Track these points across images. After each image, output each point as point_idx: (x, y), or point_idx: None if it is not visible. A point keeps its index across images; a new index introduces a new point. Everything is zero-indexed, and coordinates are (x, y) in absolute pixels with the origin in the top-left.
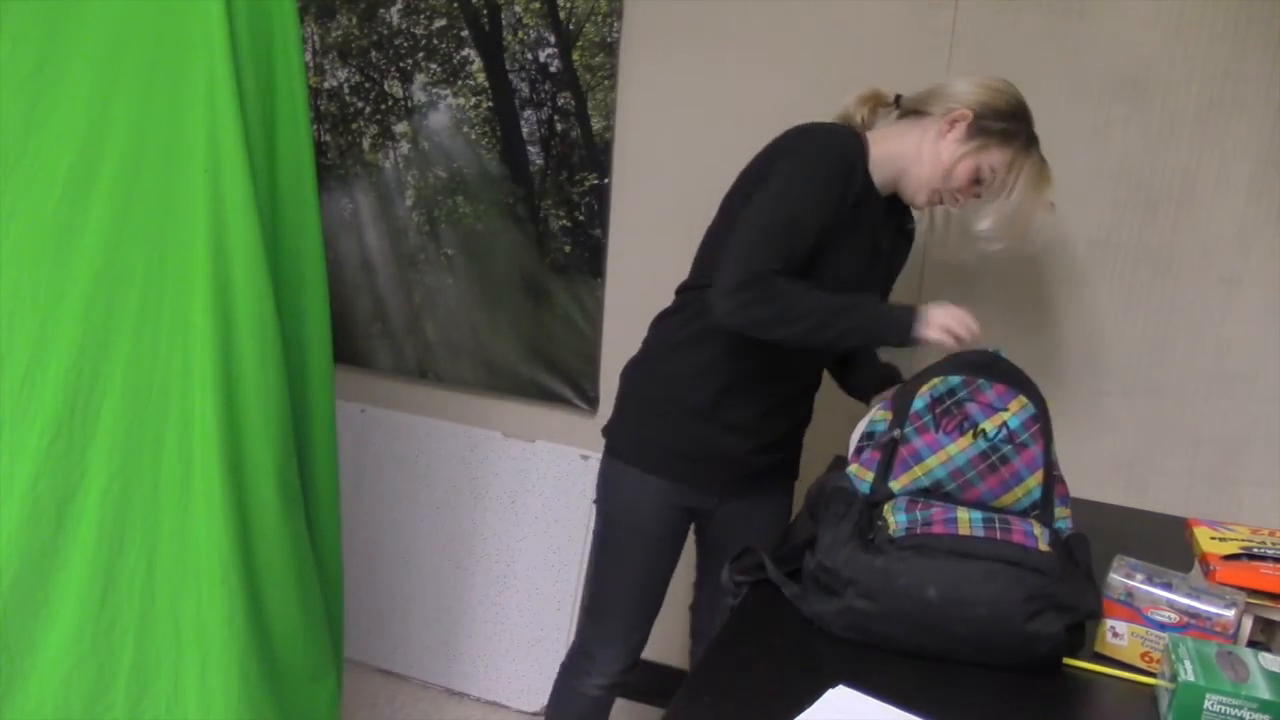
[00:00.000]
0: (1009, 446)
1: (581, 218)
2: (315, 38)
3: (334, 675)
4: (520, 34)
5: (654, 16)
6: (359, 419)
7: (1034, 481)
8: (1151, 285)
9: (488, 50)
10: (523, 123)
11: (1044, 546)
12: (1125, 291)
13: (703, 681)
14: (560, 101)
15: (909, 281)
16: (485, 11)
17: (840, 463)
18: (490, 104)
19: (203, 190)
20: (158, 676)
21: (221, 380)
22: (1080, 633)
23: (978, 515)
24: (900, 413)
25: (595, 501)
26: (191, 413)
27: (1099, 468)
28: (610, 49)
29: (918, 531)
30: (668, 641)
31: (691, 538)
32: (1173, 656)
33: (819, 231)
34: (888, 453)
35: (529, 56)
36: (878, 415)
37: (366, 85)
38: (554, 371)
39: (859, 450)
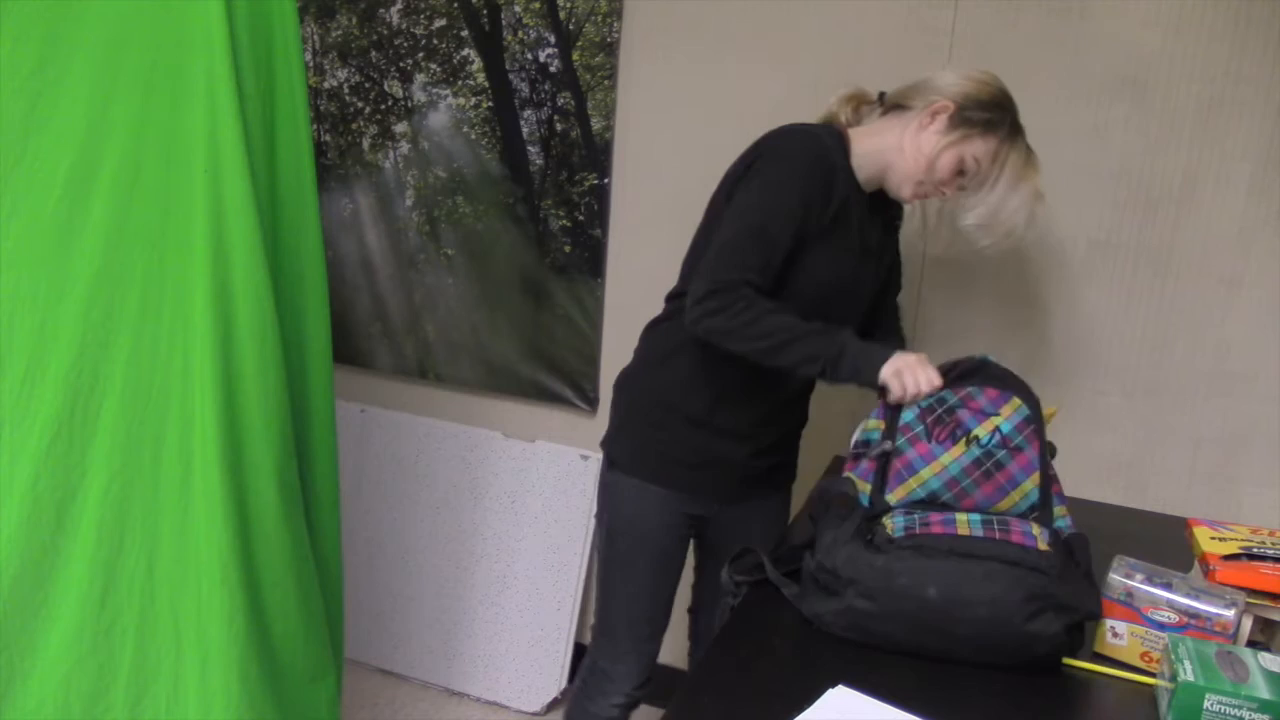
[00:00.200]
0: (1003, 452)
1: (581, 218)
2: (315, 38)
3: (334, 675)
4: (520, 34)
5: (654, 16)
6: (359, 419)
7: (1030, 485)
8: (1151, 285)
9: (488, 50)
10: (523, 123)
11: (1043, 545)
12: (1125, 291)
13: (703, 681)
14: (560, 101)
15: (909, 282)
16: (485, 11)
17: (839, 463)
18: (490, 104)
19: (202, 190)
20: (158, 676)
21: (221, 380)
22: (1080, 633)
23: (976, 517)
24: (891, 424)
25: (597, 515)
26: (191, 413)
27: (1099, 468)
28: (610, 49)
29: (916, 531)
30: (668, 641)
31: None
32: (1172, 656)
33: (796, 237)
34: (882, 465)
35: (529, 56)
36: (871, 424)
37: (366, 85)
38: (554, 371)
39: (855, 457)
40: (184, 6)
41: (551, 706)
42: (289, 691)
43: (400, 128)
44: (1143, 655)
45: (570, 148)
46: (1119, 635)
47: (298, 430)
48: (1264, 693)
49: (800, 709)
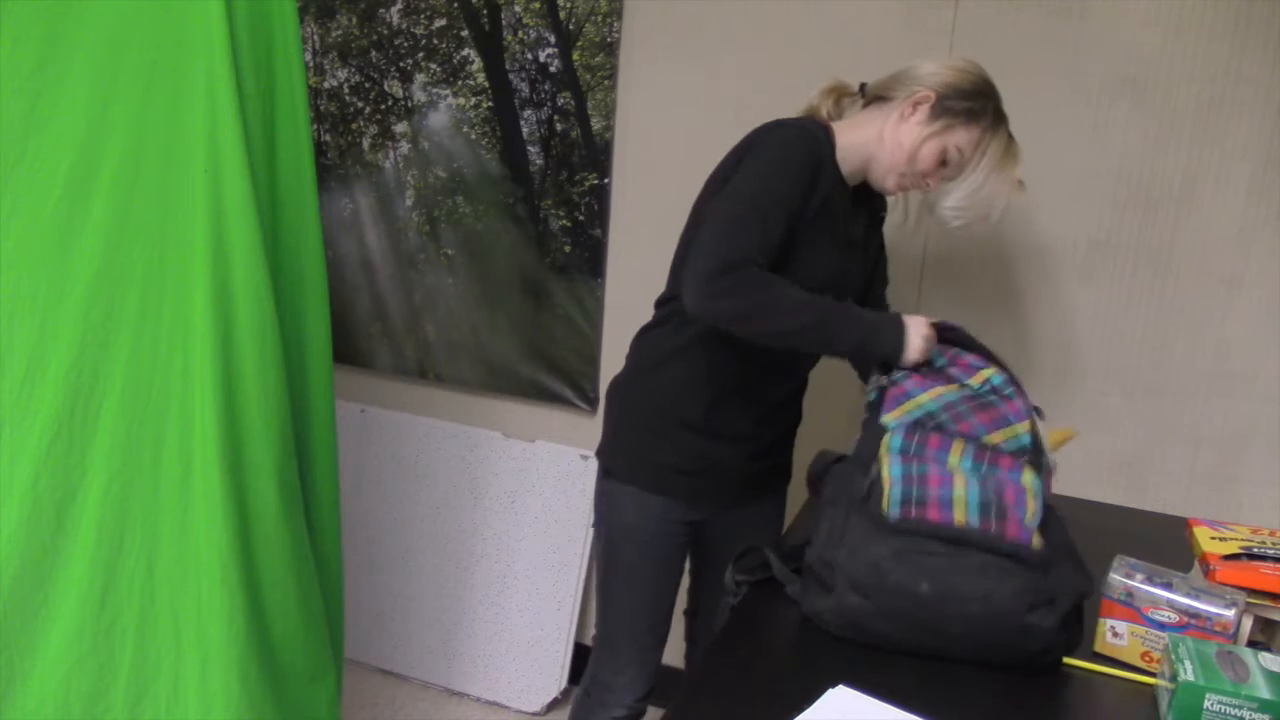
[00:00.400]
0: (994, 396)
1: (581, 218)
2: (315, 38)
3: (334, 675)
4: (520, 34)
5: (654, 16)
6: (359, 419)
7: (1022, 429)
8: (1151, 285)
9: (488, 50)
10: (523, 123)
11: (1036, 542)
12: (1125, 291)
13: (703, 681)
14: (560, 101)
15: (909, 282)
16: (485, 11)
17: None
18: (490, 104)
19: (203, 190)
20: (158, 676)
21: (221, 380)
22: (1078, 630)
23: (970, 471)
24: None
25: (594, 525)
26: (191, 413)
27: (1099, 468)
28: (610, 49)
29: (912, 515)
30: (671, 641)
31: None
32: (1173, 656)
33: (789, 225)
34: (879, 396)
35: (529, 56)
36: (870, 393)
37: (366, 85)
38: (554, 371)
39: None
40: (184, 6)
41: (551, 706)
42: (289, 691)
43: (400, 128)
44: (1143, 655)
45: (570, 148)
46: (1119, 635)
47: (298, 430)
48: (1264, 693)
49: (800, 709)
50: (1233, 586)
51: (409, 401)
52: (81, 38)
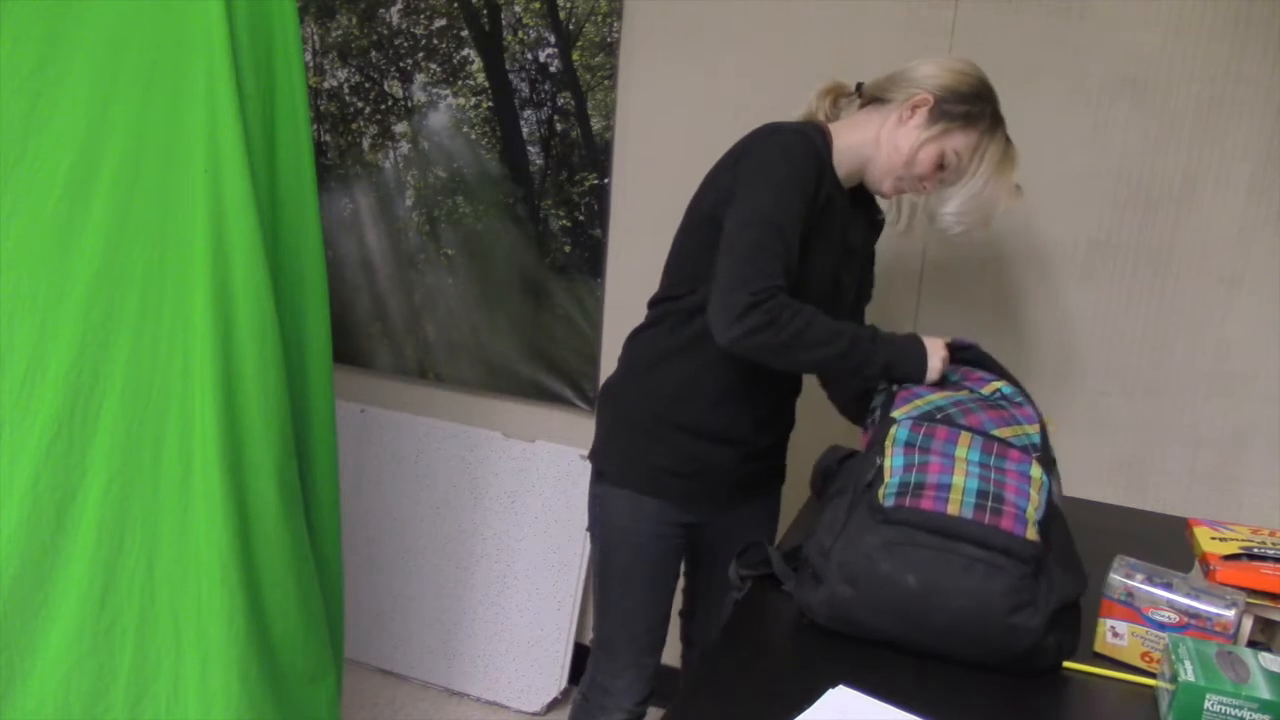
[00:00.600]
0: (1004, 402)
1: (581, 218)
2: (315, 38)
3: (334, 675)
4: (520, 34)
5: (654, 16)
6: (359, 419)
7: (1033, 429)
8: (1151, 285)
9: (488, 50)
10: (523, 123)
11: (1033, 535)
12: (1125, 291)
13: (703, 681)
14: (560, 101)
15: (909, 282)
16: (485, 11)
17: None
18: (490, 104)
19: (202, 190)
20: (158, 676)
21: (221, 380)
22: (1075, 634)
23: (977, 464)
24: (888, 399)
25: (589, 529)
26: (191, 413)
27: (1099, 468)
28: (610, 49)
29: (906, 503)
30: (667, 641)
31: None
32: (1173, 657)
33: (802, 238)
34: (888, 397)
35: (529, 56)
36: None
37: (366, 85)
38: (554, 371)
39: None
40: (184, 6)
41: (551, 706)
42: (289, 691)
43: (400, 128)
44: (1143, 655)
45: (570, 148)
46: (1119, 635)
47: (298, 430)
48: (1264, 693)
49: (800, 709)
50: (1233, 587)
51: (409, 401)
52: (81, 38)
